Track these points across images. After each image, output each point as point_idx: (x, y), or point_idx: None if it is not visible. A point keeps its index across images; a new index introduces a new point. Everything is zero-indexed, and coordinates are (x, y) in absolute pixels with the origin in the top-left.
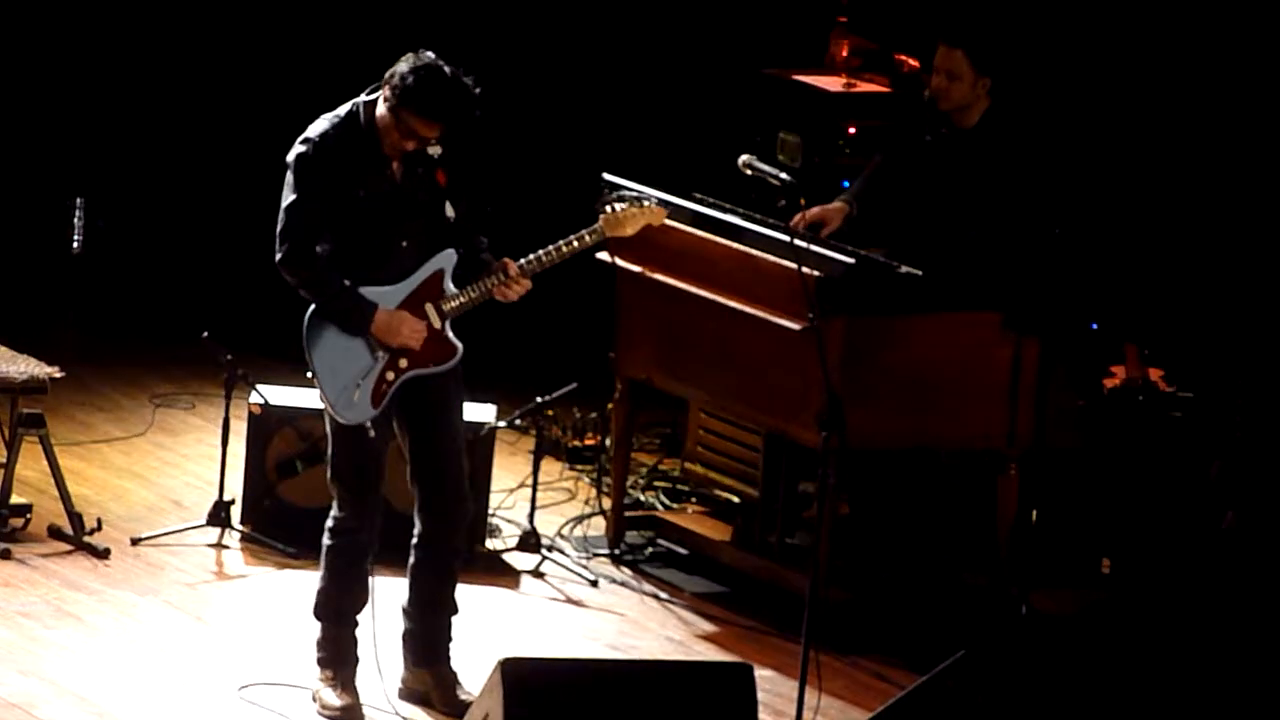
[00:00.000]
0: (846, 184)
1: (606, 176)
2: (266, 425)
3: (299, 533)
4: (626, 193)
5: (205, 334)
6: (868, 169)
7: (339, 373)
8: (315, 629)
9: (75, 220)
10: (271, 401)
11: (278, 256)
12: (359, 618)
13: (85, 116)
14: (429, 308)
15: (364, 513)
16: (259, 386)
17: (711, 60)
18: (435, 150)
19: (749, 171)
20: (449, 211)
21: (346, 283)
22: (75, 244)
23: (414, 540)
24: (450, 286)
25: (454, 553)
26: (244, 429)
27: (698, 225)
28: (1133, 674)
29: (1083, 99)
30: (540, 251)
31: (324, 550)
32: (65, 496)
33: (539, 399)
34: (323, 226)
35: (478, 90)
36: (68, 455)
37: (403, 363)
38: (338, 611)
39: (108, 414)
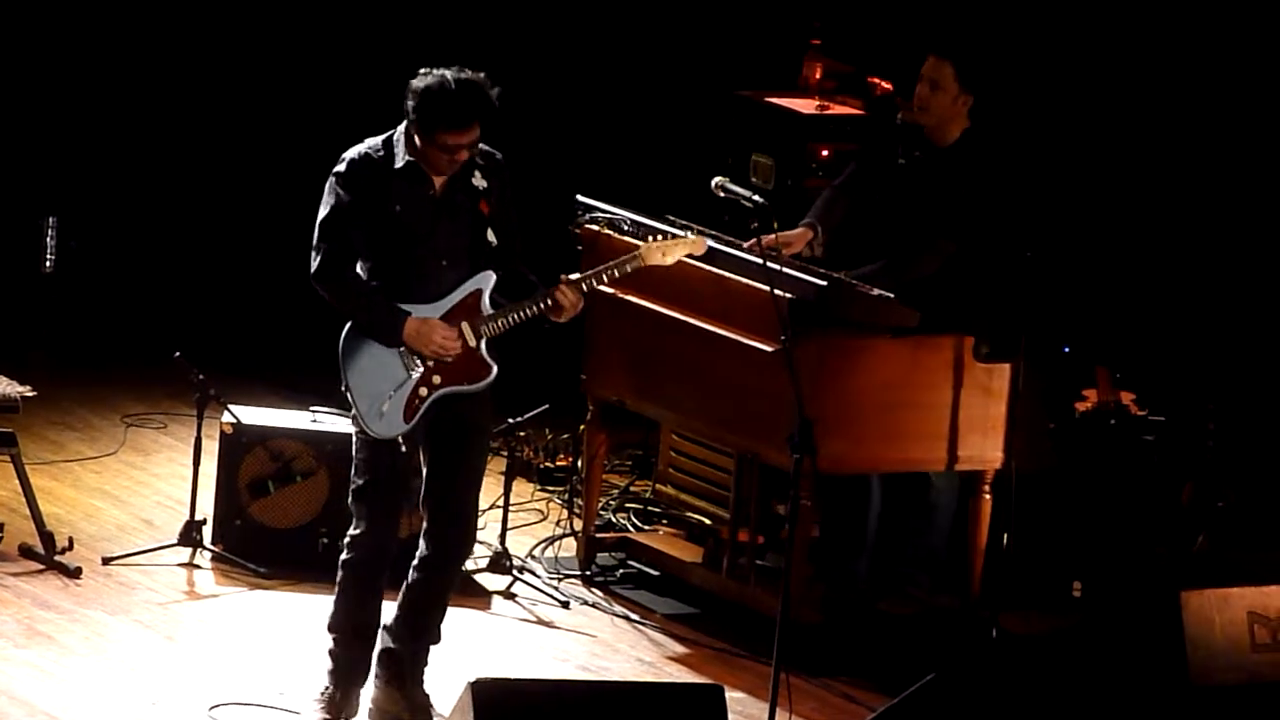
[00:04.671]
0: None
1: (580, 198)
2: (238, 445)
3: (270, 553)
4: (600, 214)
5: (177, 354)
6: (831, 185)
7: (371, 386)
8: (327, 640)
9: (47, 239)
10: (243, 421)
11: (311, 270)
12: (369, 636)
13: (57, 136)
14: (465, 326)
15: (382, 534)
16: (231, 406)
17: (685, 82)
18: (480, 183)
19: (722, 193)
20: (491, 238)
21: (379, 295)
22: (47, 263)
23: (415, 562)
24: (487, 306)
25: (450, 583)
26: (216, 449)
27: None
28: (1103, 697)
29: (1056, 124)
30: (587, 273)
31: (339, 565)
32: (37, 516)
33: (511, 420)
34: (355, 242)
35: (483, 75)
36: (39, 474)
37: (436, 379)
38: (350, 628)
39: (79, 433)
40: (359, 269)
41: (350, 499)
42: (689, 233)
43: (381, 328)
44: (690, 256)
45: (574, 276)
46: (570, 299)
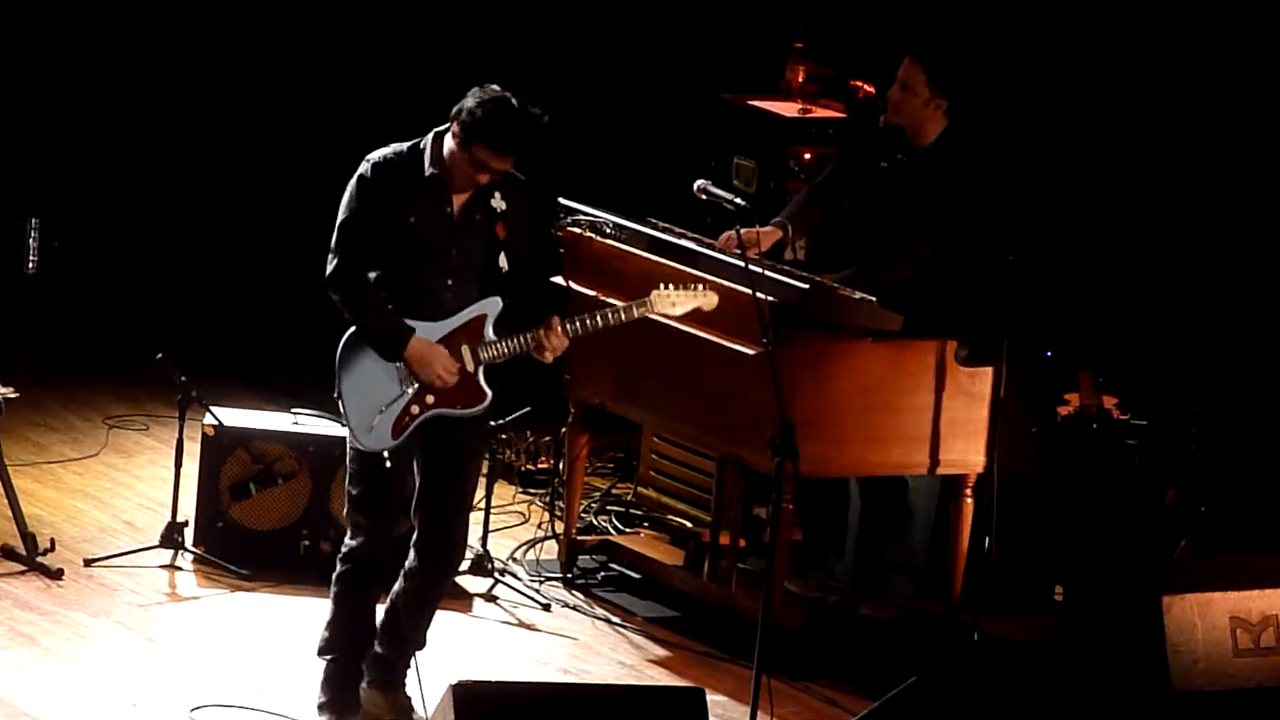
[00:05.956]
0: None
1: (562, 200)
2: (220, 447)
3: (251, 555)
4: (582, 217)
5: (159, 355)
6: (809, 186)
7: (365, 398)
8: (318, 668)
9: (30, 241)
10: (225, 423)
11: (326, 272)
12: (364, 652)
13: (41, 137)
14: (465, 350)
15: (378, 543)
16: (212, 408)
17: (668, 85)
18: (499, 204)
19: (704, 196)
20: (503, 263)
21: (390, 307)
22: (30, 265)
23: (404, 571)
24: (490, 333)
25: (437, 595)
26: (197, 450)
27: (653, 250)
28: (1084, 701)
29: (1040, 127)
30: (585, 315)
31: (334, 580)
32: (19, 517)
33: (492, 422)
34: (373, 248)
35: (546, 119)
36: (21, 476)
37: (429, 399)
38: (345, 647)
39: (61, 435)
40: (370, 276)
41: (347, 508)
42: (702, 286)
43: (385, 341)
44: (697, 311)
45: (574, 319)
46: (554, 344)
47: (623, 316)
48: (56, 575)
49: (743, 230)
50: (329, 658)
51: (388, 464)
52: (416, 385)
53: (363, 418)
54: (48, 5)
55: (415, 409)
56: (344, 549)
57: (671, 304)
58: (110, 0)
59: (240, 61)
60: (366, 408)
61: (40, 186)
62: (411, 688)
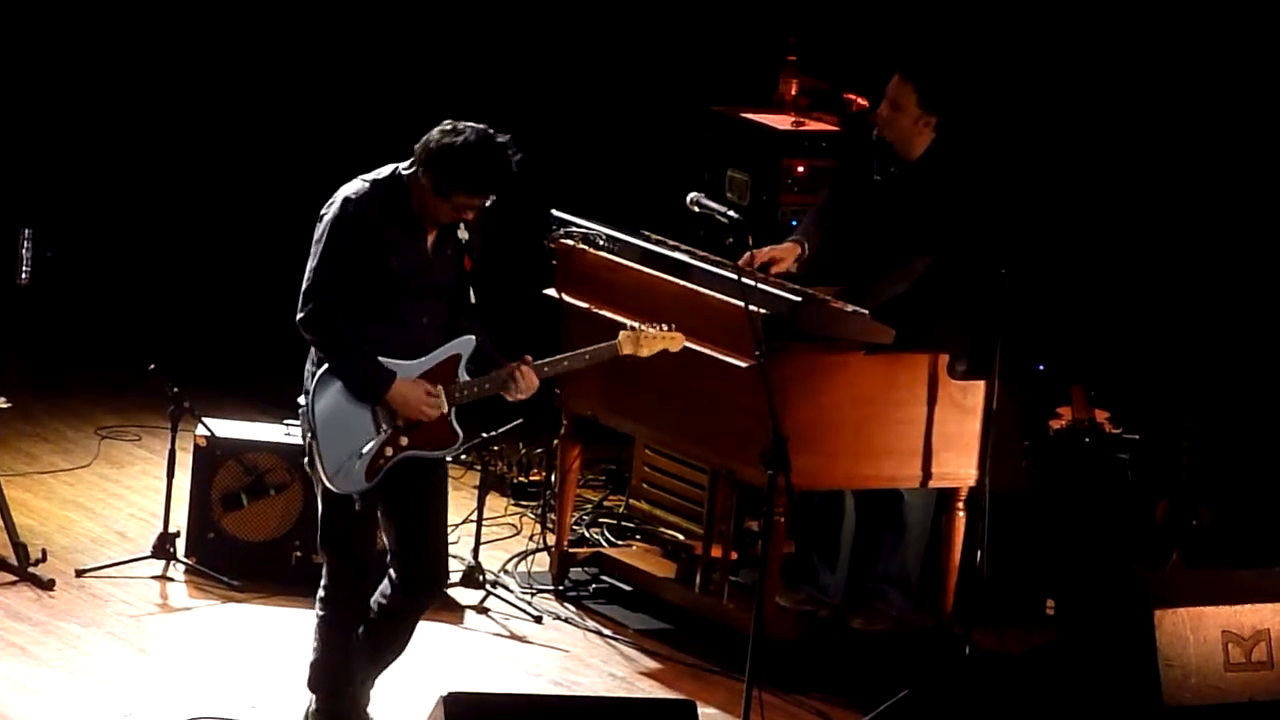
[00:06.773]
0: (795, 223)
1: (555, 212)
2: (212, 458)
3: (243, 566)
4: (575, 229)
5: (152, 366)
6: (815, 205)
7: (341, 441)
8: (310, 700)
9: (23, 251)
10: (217, 434)
11: (300, 315)
12: (353, 689)
13: (34, 148)
14: (440, 391)
15: (356, 582)
16: (204, 419)
17: (661, 97)
18: (464, 235)
19: (697, 209)
20: (472, 297)
21: (367, 349)
22: (23, 275)
23: (384, 601)
24: (464, 374)
25: (418, 619)
26: (189, 461)
27: (645, 262)
28: (1075, 715)
29: (1032, 141)
30: (558, 356)
31: (316, 621)
32: (10, 527)
33: (484, 434)
34: (349, 289)
35: (515, 155)
36: (13, 486)
37: (403, 440)
38: (335, 683)
39: (53, 445)
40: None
41: (319, 543)
42: (669, 326)
43: (367, 386)
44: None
45: (545, 361)
46: (525, 384)
47: (590, 359)
48: (48, 586)
49: (762, 250)
50: (319, 694)
51: (356, 506)
52: (391, 427)
53: (339, 461)
54: (41, 16)
55: (390, 451)
56: (322, 591)
57: (639, 345)
58: (104, 11)
59: (233, 73)
60: (342, 451)
61: (33, 197)
62: (402, 699)
